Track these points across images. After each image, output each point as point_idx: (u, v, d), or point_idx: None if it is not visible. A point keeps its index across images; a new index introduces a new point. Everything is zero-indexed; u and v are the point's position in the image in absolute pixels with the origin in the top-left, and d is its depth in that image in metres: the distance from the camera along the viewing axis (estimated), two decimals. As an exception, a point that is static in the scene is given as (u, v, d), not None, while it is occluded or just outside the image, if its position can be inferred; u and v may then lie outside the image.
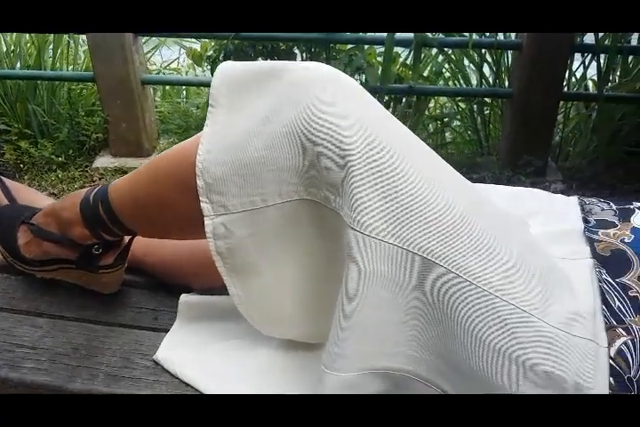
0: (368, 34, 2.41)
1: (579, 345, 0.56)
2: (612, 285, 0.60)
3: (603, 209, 0.71)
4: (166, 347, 0.75)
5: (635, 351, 0.57)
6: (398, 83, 2.48)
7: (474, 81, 2.60)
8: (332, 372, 0.59)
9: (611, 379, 0.56)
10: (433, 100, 2.74)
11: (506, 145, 2.44)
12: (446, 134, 2.84)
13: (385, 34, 2.24)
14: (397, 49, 2.46)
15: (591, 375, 0.56)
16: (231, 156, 0.59)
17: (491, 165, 2.43)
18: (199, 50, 2.65)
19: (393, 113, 2.56)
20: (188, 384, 0.70)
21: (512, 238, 0.59)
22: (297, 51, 2.58)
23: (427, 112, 2.71)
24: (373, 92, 2.46)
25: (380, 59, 2.49)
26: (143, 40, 2.57)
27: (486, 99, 2.55)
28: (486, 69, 2.52)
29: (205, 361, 0.72)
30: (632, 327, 0.58)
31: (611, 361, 0.57)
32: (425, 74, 2.69)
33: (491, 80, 2.53)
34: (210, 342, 0.75)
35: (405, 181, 0.55)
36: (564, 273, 0.61)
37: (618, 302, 0.59)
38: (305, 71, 0.60)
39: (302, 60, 2.56)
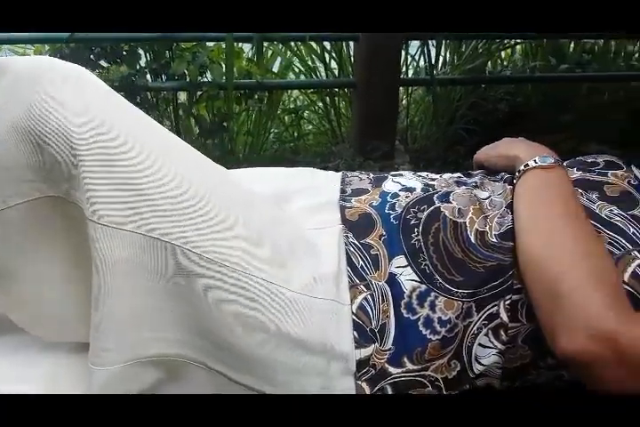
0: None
1: (321, 306, 0.60)
2: (356, 246, 0.65)
3: (361, 179, 0.77)
4: None
5: (374, 305, 0.62)
6: (247, 78, 2.50)
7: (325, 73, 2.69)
8: (98, 367, 0.58)
9: (355, 333, 0.61)
10: (286, 94, 2.79)
11: (355, 133, 2.54)
12: (307, 126, 2.91)
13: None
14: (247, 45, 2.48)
15: (335, 332, 0.60)
16: None
17: (344, 153, 2.52)
18: (32, 55, 2.50)
19: (244, 109, 2.57)
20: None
21: (254, 216, 0.62)
22: (141, 51, 2.52)
23: (282, 105, 2.75)
24: (220, 88, 2.46)
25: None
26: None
27: (336, 89, 2.65)
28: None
29: None
30: (372, 283, 0.63)
31: (353, 317, 0.62)
32: (275, 68, 2.73)
33: (336, 71, 2.62)
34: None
35: (140, 170, 0.56)
36: (313, 242, 0.65)
37: (361, 262, 0.64)
38: (30, 66, 0.59)
39: (147, 60, 2.51)
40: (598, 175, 0.73)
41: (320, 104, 2.75)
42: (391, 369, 0.62)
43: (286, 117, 2.81)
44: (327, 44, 2.59)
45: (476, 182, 0.74)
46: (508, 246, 0.64)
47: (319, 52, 2.56)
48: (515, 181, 0.70)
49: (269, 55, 2.72)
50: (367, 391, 0.62)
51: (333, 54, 2.58)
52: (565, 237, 0.62)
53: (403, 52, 2.67)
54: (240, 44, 2.56)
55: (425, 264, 0.64)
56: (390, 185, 0.74)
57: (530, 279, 0.61)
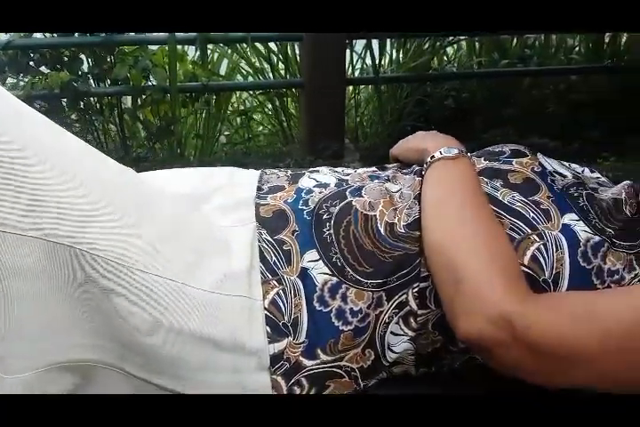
0: (152, 34, 2.39)
1: (232, 302, 0.61)
2: (270, 242, 0.66)
3: (279, 177, 0.77)
4: None
5: (286, 299, 0.63)
6: (194, 81, 2.49)
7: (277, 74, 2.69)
8: (6, 376, 0.58)
9: (267, 328, 0.62)
10: (235, 96, 2.79)
11: (305, 133, 2.55)
12: (258, 128, 2.92)
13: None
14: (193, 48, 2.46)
15: (246, 328, 0.61)
16: None
17: (295, 153, 2.53)
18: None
19: (192, 112, 2.56)
20: None
21: (159, 217, 0.62)
22: (82, 56, 2.47)
23: (231, 107, 2.75)
24: (164, 92, 2.43)
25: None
26: None
27: (284, 90, 2.66)
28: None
29: None
30: (284, 278, 0.64)
31: (266, 312, 0.62)
32: (223, 71, 2.73)
33: (283, 72, 2.63)
34: None
35: (39, 176, 0.55)
36: (226, 240, 0.66)
37: (274, 258, 0.65)
38: None
39: (89, 65, 2.47)
40: (504, 164, 0.75)
41: (270, 105, 2.76)
42: (306, 362, 0.62)
43: (237, 119, 2.81)
44: (274, 46, 2.60)
45: (388, 176, 0.76)
46: (415, 236, 0.66)
47: (265, 53, 2.56)
48: (423, 173, 0.72)
49: (215, 58, 2.71)
50: (283, 385, 0.62)
51: (280, 55, 2.59)
52: (464, 224, 0.63)
53: (349, 51, 2.71)
54: (186, 48, 2.55)
55: (336, 257, 0.65)
56: (306, 181, 0.74)
57: (433, 266, 0.63)
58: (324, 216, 0.68)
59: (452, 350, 0.66)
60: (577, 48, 3.07)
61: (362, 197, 0.70)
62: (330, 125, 2.50)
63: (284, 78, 2.61)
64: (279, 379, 0.63)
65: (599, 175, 0.81)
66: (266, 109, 2.78)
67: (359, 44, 2.70)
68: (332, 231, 0.67)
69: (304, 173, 0.77)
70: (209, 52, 2.61)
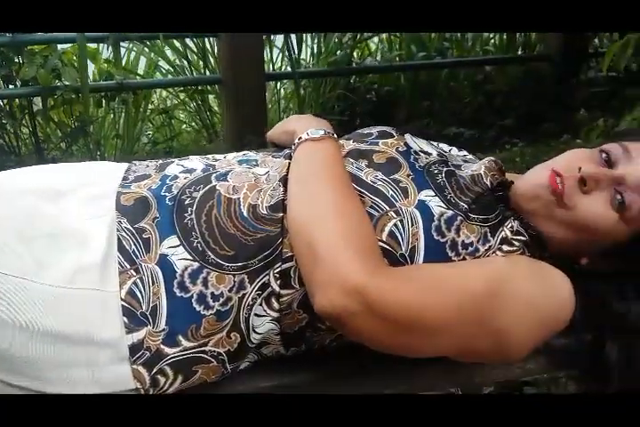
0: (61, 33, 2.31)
1: (83, 296, 0.59)
2: (129, 231, 0.65)
3: (148, 166, 0.76)
4: None
5: (144, 288, 0.62)
6: (109, 80, 2.42)
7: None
8: None
9: (125, 318, 0.61)
10: (155, 95, 2.73)
11: (228, 129, 2.53)
12: (182, 126, 2.87)
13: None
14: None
15: (99, 320, 0.59)
16: None
17: (219, 150, 2.50)
18: None
19: (109, 111, 2.49)
20: None
21: (6, 214, 0.60)
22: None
23: (151, 106, 2.69)
24: (75, 92, 2.34)
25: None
26: None
27: (207, 86, 2.62)
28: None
29: None
30: (142, 266, 0.63)
31: (122, 302, 0.61)
32: (141, 68, 2.67)
33: (203, 68, 2.59)
34: None
35: None
36: (83, 232, 0.64)
37: (133, 246, 0.64)
38: None
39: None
40: (370, 145, 0.76)
41: (193, 103, 2.72)
42: (167, 350, 0.61)
43: (161, 117, 2.75)
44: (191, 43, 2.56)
45: (257, 160, 0.76)
46: (278, 217, 0.66)
47: (182, 50, 2.52)
48: (292, 155, 0.73)
49: (132, 56, 2.65)
50: (145, 375, 0.61)
51: (197, 52, 2.55)
52: (322, 202, 0.64)
53: (270, 47, 2.70)
54: (104, 46, 2.47)
55: (197, 242, 0.64)
56: (173, 168, 0.73)
57: (293, 244, 0.64)
58: (187, 201, 0.67)
59: (320, 328, 0.67)
60: (492, 40, 3.17)
61: (227, 181, 0.70)
62: (253, 121, 2.48)
63: (202, 75, 2.57)
64: (140, 369, 0.61)
65: (466, 153, 0.84)
66: (188, 107, 2.73)
67: (279, 39, 2.69)
68: (194, 216, 0.66)
69: (173, 162, 0.76)
70: (125, 51, 2.55)
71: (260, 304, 0.65)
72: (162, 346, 0.62)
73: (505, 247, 0.68)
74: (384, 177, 0.70)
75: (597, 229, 0.69)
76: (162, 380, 0.62)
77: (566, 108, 2.33)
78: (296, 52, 2.53)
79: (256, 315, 0.65)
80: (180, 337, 0.62)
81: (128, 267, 0.63)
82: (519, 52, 2.95)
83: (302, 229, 0.63)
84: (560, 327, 0.68)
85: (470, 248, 0.67)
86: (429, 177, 0.70)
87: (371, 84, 2.87)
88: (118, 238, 0.64)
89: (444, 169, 0.72)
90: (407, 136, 0.79)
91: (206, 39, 2.53)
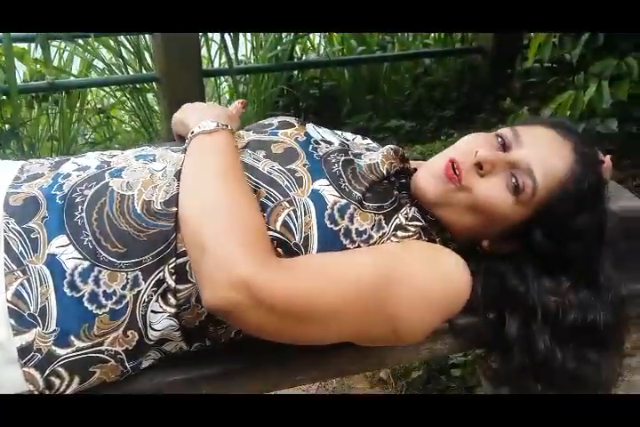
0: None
1: None
2: (17, 232, 0.63)
3: (42, 164, 0.74)
4: None
5: (30, 289, 0.60)
6: (41, 80, 2.34)
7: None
8: None
9: (12, 320, 0.59)
10: (92, 94, 2.67)
11: (167, 127, 2.49)
12: (121, 125, 2.80)
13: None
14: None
15: None
16: None
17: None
18: None
19: (42, 112, 2.41)
20: None
21: None
22: None
23: (88, 106, 2.63)
24: (4, 93, 2.26)
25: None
26: None
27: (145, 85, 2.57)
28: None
29: None
30: (29, 267, 0.61)
31: (8, 304, 0.59)
32: (75, 67, 2.59)
33: (138, 66, 2.54)
34: None
35: None
36: None
37: (20, 247, 0.62)
38: None
39: None
40: (269, 135, 0.76)
41: (132, 102, 2.66)
42: (59, 351, 0.60)
43: (98, 117, 2.68)
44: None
45: (154, 155, 0.75)
46: (171, 212, 0.65)
47: (116, 48, 2.47)
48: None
49: (66, 56, 2.57)
50: (37, 377, 0.60)
51: (132, 50, 2.50)
52: (210, 196, 0.63)
53: (207, 43, 2.67)
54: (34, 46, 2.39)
55: (88, 240, 0.63)
56: (67, 166, 0.72)
57: (184, 238, 0.63)
58: (77, 200, 0.66)
59: (222, 321, 0.67)
60: (432, 34, 3.21)
61: (121, 177, 0.69)
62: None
63: (139, 73, 2.52)
64: (32, 371, 0.60)
65: (370, 142, 0.85)
66: (127, 106, 2.67)
67: (217, 35, 2.66)
68: (85, 214, 0.65)
69: (69, 159, 0.74)
70: (57, 50, 2.47)
71: (157, 301, 0.64)
72: (53, 347, 0.60)
73: (400, 233, 0.69)
74: (280, 167, 0.70)
75: (495, 212, 0.71)
76: (56, 382, 0.61)
77: (500, 98, 2.39)
78: (233, 48, 2.50)
79: (153, 312, 0.64)
80: (73, 337, 0.61)
81: (14, 268, 0.61)
82: (457, 46, 2.99)
83: (190, 223, 0.62)
84: (456, 310, 0.70)
85: (364, 235, 0.67)
86: (326, 166, 0.71)
87: (313, 80, 2.87)
88: (5, 239, 0.62)
89: (342, 158, 0.73)
90: (309, 126, 0.80)
91: (141, 36, 2.48)
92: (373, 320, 0.63)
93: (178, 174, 0.69)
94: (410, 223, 0.70)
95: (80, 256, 0.63)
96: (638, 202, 1.02)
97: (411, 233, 0.70)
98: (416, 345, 0.74)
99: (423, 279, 0.65)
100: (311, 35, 3.03)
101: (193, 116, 0.75)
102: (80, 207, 0.65)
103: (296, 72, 2.85)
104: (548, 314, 0.71)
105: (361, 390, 1.20)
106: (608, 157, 0.99)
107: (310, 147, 0.74)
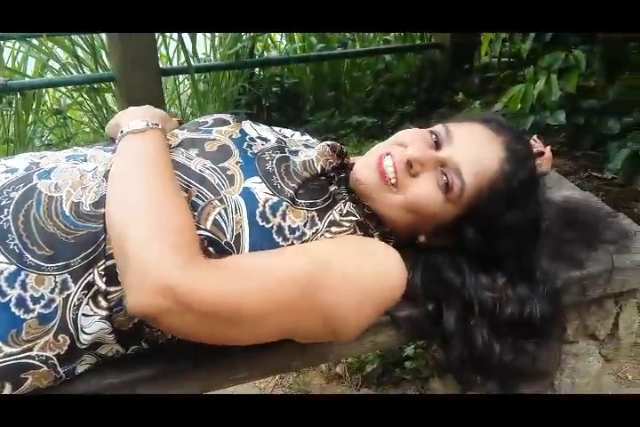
0: None
1: None
2: None
3: None
4: None
5: None
6: (-6, 81, 2.28)
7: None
8: None
9: None
10: (48, 95, 2.61)
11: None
12: (80, 126, 2.75)
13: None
14: None
15: None
16: None
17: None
18: None
19: (-5, 114, 2.35)
20: None
21: None
22: None
23: (45, 107, 2.57)
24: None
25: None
26: None
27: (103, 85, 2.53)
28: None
29: None
30: None
31: None
32: (30, 68, 2.54)
33: (94, 65, 2.50)
34: None
35: None
36: None
37: None
38: None
39: None
40: (204, 133, 0.76)
41: (90, 102, 2.61)
42: (-13, 357, 0.59)
43: (55, 118, 2.63)
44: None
45: (85, 156, 0.73)
46: (100, 214, 0.64)
47: (70, 47, 2.42)
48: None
49: (20, 57, 2.51)
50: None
51: (87, 49, 2.45)
52: (135, 197, 0.62)
53: (165, 41, 2.63)
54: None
55: (14, 244, 0.62)
56: None
57: (111, 240, 0.62)
58: (3, 203, 0.64)
59: None
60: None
61: (49, 179, 0.67)
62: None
63: (95, 73, 2.48)
64: (-41, 379, 0.58)
65: (309, 138, 0.84)
66: (85, 107, 2.63)
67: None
68: (11, 217, 0.63)
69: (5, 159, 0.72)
70: (10, 51, 2.41)
71: (87, 304, 0.63)
72: (-19, 354, 0.59)
73: (334, 229, 0.70)
74: (212, 165, 0.69)
75: (426, 210, 0.71)
76: None
77: (457, 93, 2.42)
78: (192, 46, 2.47)
79: (84, 315, 0.63)
80: (0, 343, 0.60)
81: None
82: (417, 42, 3.01)
83: (115, 226, 0.61)
84: (392, 303, 0.71)
85: (297, 232, 0.67)
86: (259, 164, 0.70)
87: (275, 77, 2.85)
88: None
89: (277, 155, 0.73)
90: (245, 123, 0.79)
91: (96, 35, 2.43)
92: (306, 317, 0.63)
93: (107, 175, 0.67)
94: (344, 218, 0.70)
95: (6, 260, 0.61)
96: (578, 191, 1.05)
97: (345, 228, 0.70)
98: (359, 338, 0.75)
99: (355, 273, 0.65)
100: (272, 32, 3.03)
101: (124, 115, 0.75)
102: (6, 210, 0.64)
103: (257, 70, 2.84)
104: (485, 309, 0.72)
105: (317, 386, 1.21)
106: (548, 148, 1.01)
107: (245, 144, 0.73)
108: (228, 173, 0.69)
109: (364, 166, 0.73)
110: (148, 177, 0.64)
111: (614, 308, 0.93)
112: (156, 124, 0.71)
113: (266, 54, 2.94)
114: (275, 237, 0.66)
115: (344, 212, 0.71)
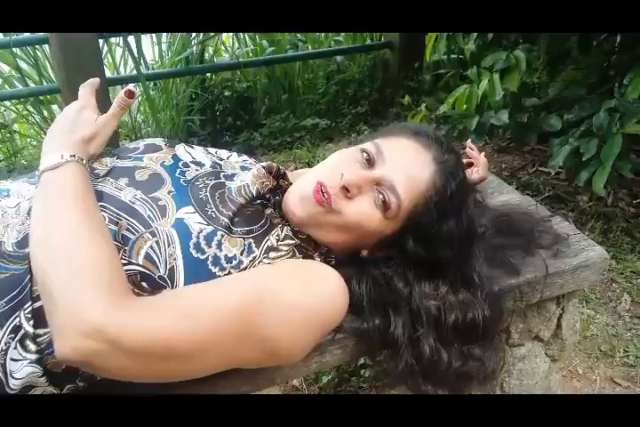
0: None
1: None
2: None
3: None
4: None
5: None
6: None
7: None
8: None
9: None
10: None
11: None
12: (27, 140, 2.67)
13: None
14: None
15: None
16: None
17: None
18: None
19: None
20: None
21: None
22: None
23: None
24: None
25: None
26: None
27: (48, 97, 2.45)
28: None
29: None
30: None
31: None
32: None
33: (38, 77, 2.42)
34: None
35: None
36: None
37: None
38: None
39: None
40: (134, 160, 0.73)
41: (37, 116, 2.54)
42: None
43: None
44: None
45: (8, 191, 0.71)
46: (24, 254, 0.62)
47: (11, 59, 2.34)
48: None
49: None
50: None
51: (30, 60, 2.38)
52: (55, 239, 0.59)
53: (110, 49, 2.57)
54: None
55: None
56: None
57: (37, 283, 0.60)
58: None
59: None
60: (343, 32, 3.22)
61: None
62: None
63: (39, 85, 2.40)
64: None
65: (247, 158, 0.83)
66: (31, 120, 2.55)
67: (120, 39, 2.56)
68: None
69: None
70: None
71: (15, 348, 0.61)
72: None
73: (272, 254, 0.69)
74: (143, 196, 0.68)
75: (366, 229, 0.72)
76: None
77: (409, 92, 2.43)
78: (137, 52, 2.42)
79: (12, 360, 0.61)
80: None
81: None
82: (368, 42, 3.02)
83: (38, 270, 0.59)
84: (334, 324, 0.71)
85: (234, 261, 0.66)
86: (192, 192, 0.69)
87: (227, 81, 2.82)
88: None
89: (212, 182, 0.71)
90: (179, 147, 0.78)
91: (38, 46, 2.36)
92: (246, 346, 0.62)
93: (30, 212, 0.65)
94: (282, 243, 0.70)
95: None
96: (517, 195, 1.07)
97: (283, 253, 0.70)
98: (304, 360, 0.75)
99: (293, 297, 0.64)
100: (223, 35, 2.99)
101: (47, 144, 0.70)
102: None
103: (209, 74, 2.80)
104: (430, 317, 0.73)
105: (276, 400, 1.20)
106: (482, 154, 1.02)
107: (177, 171, 0.72)
108: (160, 203, 0.67)
109: (299, 198, 0.71)
110: (68, 217, 0.61)
111: (556, 309, 0.96)
112: (72, 155, 0.67)
113: (216, 59, 2.90)
114: (211, 267, 0.65)
115: (281, 236, 0.70)
